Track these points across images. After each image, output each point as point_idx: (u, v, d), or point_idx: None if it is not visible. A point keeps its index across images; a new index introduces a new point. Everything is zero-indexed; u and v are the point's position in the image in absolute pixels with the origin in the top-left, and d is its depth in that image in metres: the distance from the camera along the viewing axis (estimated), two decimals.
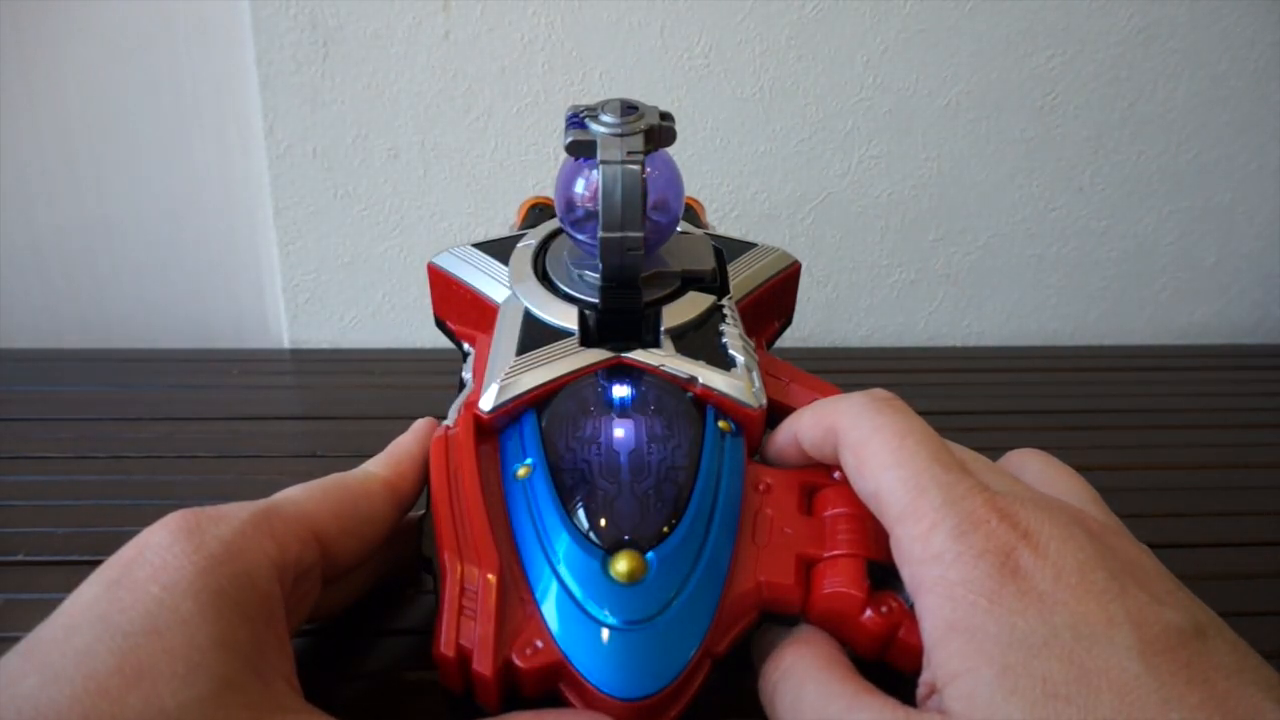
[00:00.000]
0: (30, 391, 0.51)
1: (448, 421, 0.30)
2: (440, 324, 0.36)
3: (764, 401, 0.29)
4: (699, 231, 0.37)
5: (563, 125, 0.30)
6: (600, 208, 0.29)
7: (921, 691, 0.23)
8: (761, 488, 0.28)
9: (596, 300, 0.31)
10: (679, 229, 0.36)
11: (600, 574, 0.25)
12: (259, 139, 0.55)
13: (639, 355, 0.30)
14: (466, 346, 0.35)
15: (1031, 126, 0.58)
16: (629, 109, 0.30)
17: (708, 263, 0.34)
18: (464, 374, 0.33)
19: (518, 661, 0.24)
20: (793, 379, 0.32)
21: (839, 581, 0.25)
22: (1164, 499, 0.43)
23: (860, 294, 0.62)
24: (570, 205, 0.32)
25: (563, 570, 0.25)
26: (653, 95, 0.54)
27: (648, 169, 0.30)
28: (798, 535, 0.27)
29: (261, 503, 0.25)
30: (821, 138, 0.57)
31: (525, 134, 0.56)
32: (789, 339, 0.40)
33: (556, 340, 0.31)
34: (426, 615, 0.32)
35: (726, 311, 0.32)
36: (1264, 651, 0.21)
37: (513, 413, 0.29)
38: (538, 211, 0.39)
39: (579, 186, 0.32)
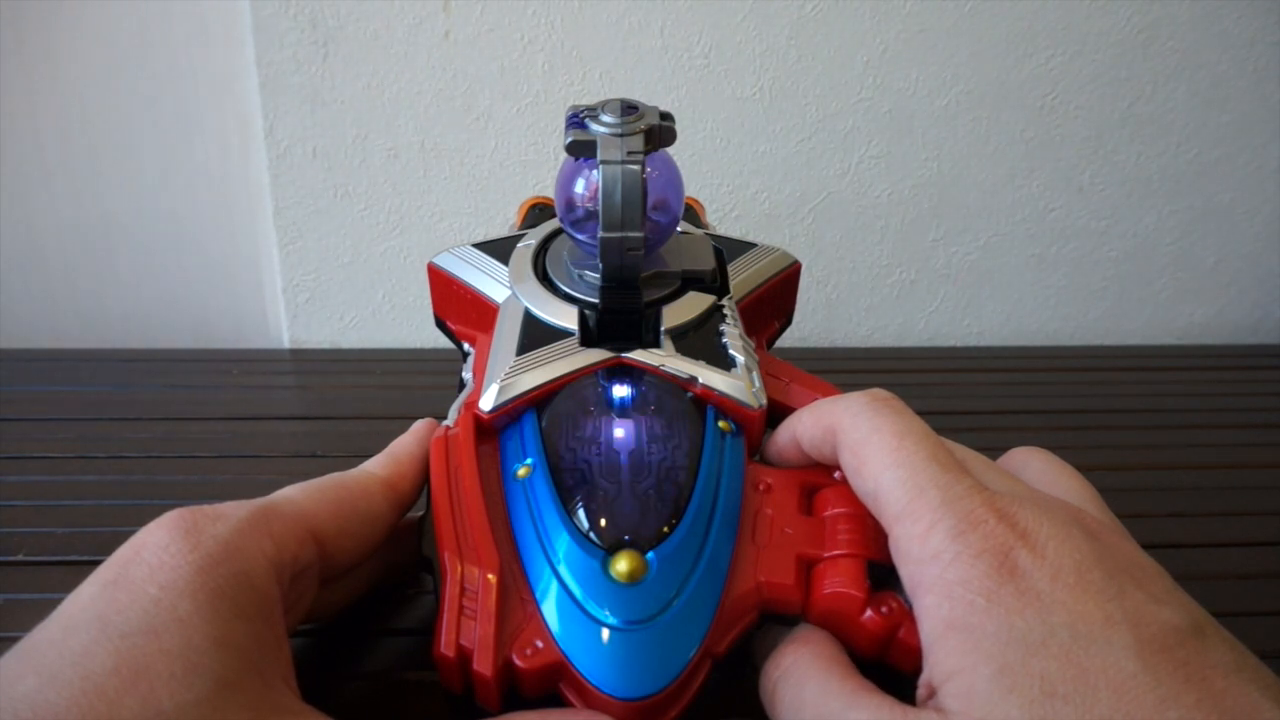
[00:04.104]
0: (30, 391, 0.51)
1: (448, 421, 0.30)
2: (440, 324, 0.36)
3: (764, 401, 0.29)
4: (699, 231, 0.37)
5: (563, 125, 0.30)
6: (600, 208, 0.29)
7: (921, 693, 0.23)
8: (761, 488, 0.28)
9: (596, 300, 0.31)
10: (679, 229, 0.36)
11: (600, 574, 0.25)
12: (259, 139, 0.55)
13: (639, 355, 0.30)
14: (466, 346, 0.35)
15: (1031, 126, 0.58)
16: (629, 109, 0.30)
17: (708, 263, 0.34)
18: (464, 374, 0.33)
19: (518, 661, 0.24)
20: (793, 379, 0.32)
21: (839, 582, 0.25)
22: (1164, 499, 0.43)
23: (860, 294, 0.62)
24: (570, 205, 0.32)
25: (563, 570, 0.25)
26: (653, 95, 0.55)
27: (648, 169, 0.30)
28: (798, 535, 0.26)
29: (259, 501, 0.25)
30: (821, 138, 0.57)
31: (525, 134, 0.56)
32: (789, 339, 0.40)
33: (556, 340, 0.31)
34: (426, 615, 0.32)
35: (726, 311, 0.32)
36: (1264, 651, 0.21)
37: (513, 413, 0.29)
38: (538, 211, 0.39)
39: (579, 186, 0.32)
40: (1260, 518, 0.41)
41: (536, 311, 0.32)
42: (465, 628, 0.24)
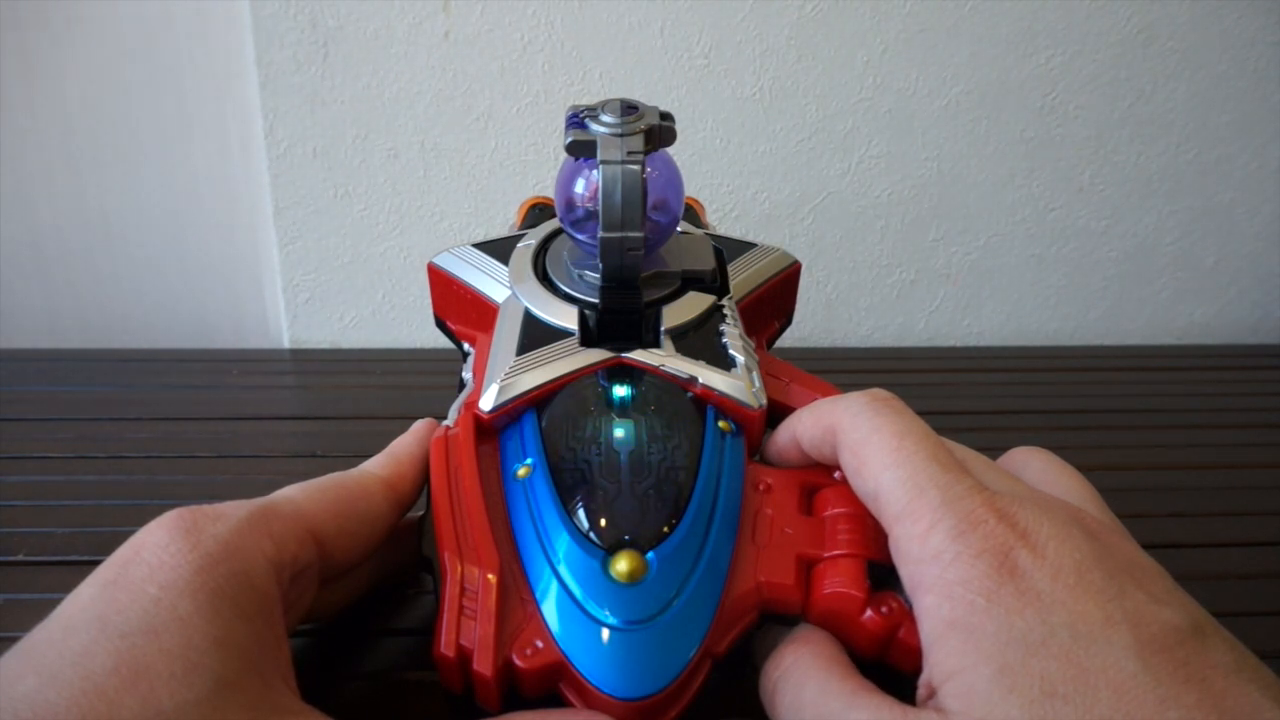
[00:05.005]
0: (30, 391, 0.51)
1: (448, 421, 0.30)
2: (440, 324, 0.36)
3: (764, 401, 0.29)
4: (699, 231, 0.37)
5: (563, 125, 0.30)
6: (600, 208, 0.29)
7: (922, 693, 0.23)
8: (761, 488, 0.28)
9: (596, 300, 0.31)
10: (679, 229, 0.36)
11: (600, 574, 0.25)
12: (259, 139, 0.55)
13: (639, 355, 0.30)
14: (466, 346, 0.35)
15: (1031, 126, 0.58)
16: (629, 109, 0.30)
17: (708, 263, 0.34)
18: (464, 374, 0.33)
19: (518, 661, 0.24)
20: (793, 379, 0.32)
21: (839, 582, 0.25)
22: (1164, 499, 0.43)
23: (860, 294, 0.62)
24: (570, 205, 0.32)
25: (563, 570, 0.25)
26: (653, 95, 0.55)
27: (648, 169, 0.30)
28: (798, 535, 0.26)
29: (259, 501, 0.25)
30: (821, 138, 0.57)
31: (525, 134, 0.56)
32: (789, 339, 0.40)
33: (556, 340, 0.31)
34: (426, 615, 0.32)
35: (726, 311, 0.32)
36: (1264, 651, 0.21)
37: (513, 413, 0.29)
38: (538, 211, 0.39)
39: (579, 186, 0.32)
40: (1260, 518, 0.41)
41: (536, 311, 0.32)
42: (465, 628, 0.24)
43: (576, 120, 0.30)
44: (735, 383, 0.29)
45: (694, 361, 0.30)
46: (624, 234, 0.29)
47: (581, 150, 0.30)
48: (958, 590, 0.22)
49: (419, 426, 0.31)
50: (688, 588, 0.25)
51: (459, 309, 0.35)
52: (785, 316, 0.38)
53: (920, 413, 0.26)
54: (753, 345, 0.32)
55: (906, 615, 0.24)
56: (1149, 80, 0.57)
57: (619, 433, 0.28)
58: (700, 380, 0.29)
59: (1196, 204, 0.61)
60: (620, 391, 0.29)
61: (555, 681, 0.24)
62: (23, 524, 0.38)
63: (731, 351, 0.30)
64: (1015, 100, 0.57)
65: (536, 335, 0.31)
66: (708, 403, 0.30)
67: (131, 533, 0.23)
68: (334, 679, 0.30)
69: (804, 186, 0.58)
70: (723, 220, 0.58)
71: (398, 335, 0.61)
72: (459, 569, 0.25)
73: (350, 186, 0.57)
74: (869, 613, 0.25)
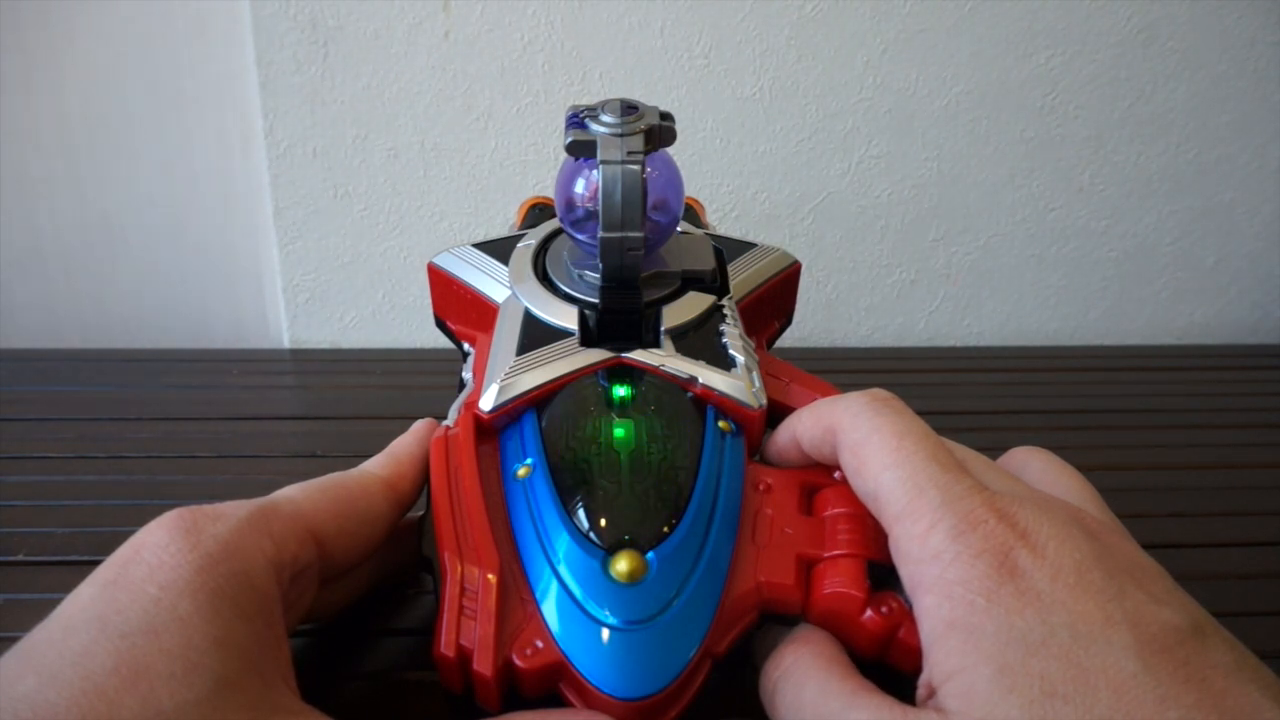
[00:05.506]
0: (30, 391, 0.51)
1: (448, 421, 0.30)
2: (440, 324, 0.36)
3: (764, 401, 0.29)
4: (699, 231, 0.37)
5: (563, 125, 0.30)
6: (600, 208, 0.29)
7: (921, 693, 0.23)
8: (761, 488, 0.28)
9: (596, 300, 0.31)
10: (679, 229, 0.36)
11: (600, 574, 0.25)
12: (259, 139, 0.55)
13: (639, 355, 0.30)
14: (466, 346, 0.35)
15: (1031, 126, 0.58)
16: (629, 109, 0.30)
17: (708, 263, 0.34)
18: (464, 374, 0.33)
19: (518, 661, 0.24)
20: (793, 379, 0.32)
21: (839, 582, 0.25)
22: (1164, 499, 0.43)
23: (860, 294, 0.62)
24: (570, 205, 0.32)
25: (563, 570, 0.25)
26: (653, 95, 0.55)
27: (648, 169, 0.30)
28: (798, 535, 0.26)
29: (259, 501, 0.25)
30: (821, 138, 0.57)
31: (525, 134, 0.56)
32: (789, 339, 0.40)
33: (556, 340, 0.31)
34: (426, 615, 0.32)
35: (726, 311, 0.32)
36: (1264, 652, 0.21)
37: (513, 413, 0.29)
38: (538, 211, 0.39)
39: (579, 186, 0.32)
40: (1260, 518, 0.41)
41: (536, 311, 0.32)
42: (465, 628, 0.24)
43: (576, 120, 0.30)
44: (735, 383, 0.29)
45: (694, 361, 0.30)
46: (624, 234, 0.29)
47: (581, 150, 0.30)
48: (958, 590, 0.22)
49: (419, 426, 0.31)
50: (688, 588, 0.25)
51: (459, 309, 0.35)
52: (785, 316, 0.38)
53: (920, 413, 0.26)
54: (753, 345, 0.32)
55: (906, 615, 0.24)
56: (1149, 80, 0.57)
57: (619, 432, 0.28)
58: (700, 380, 0.29)
59: (1196, 204, 0.61)
60: (620, 391, 0.29)
61: (555, 681, 0.24)
62: (23, 524, 0.38)
63: (731, 351, 0.30)
64: (1015, 100, 0.57)
65: (536, 335, 0.31)
66: (708, 403, 0.30)
67: (131, 533, 0.23)
68: (334, 679, 0.30)
69: (804, 186, 0.58)
70: (723, 220, 0.58)
71: (398, 335, 0.61)
72: (459, 569, 0.25)
73: (350, 186, 0.57)
74: (869, 613, 0.25)
